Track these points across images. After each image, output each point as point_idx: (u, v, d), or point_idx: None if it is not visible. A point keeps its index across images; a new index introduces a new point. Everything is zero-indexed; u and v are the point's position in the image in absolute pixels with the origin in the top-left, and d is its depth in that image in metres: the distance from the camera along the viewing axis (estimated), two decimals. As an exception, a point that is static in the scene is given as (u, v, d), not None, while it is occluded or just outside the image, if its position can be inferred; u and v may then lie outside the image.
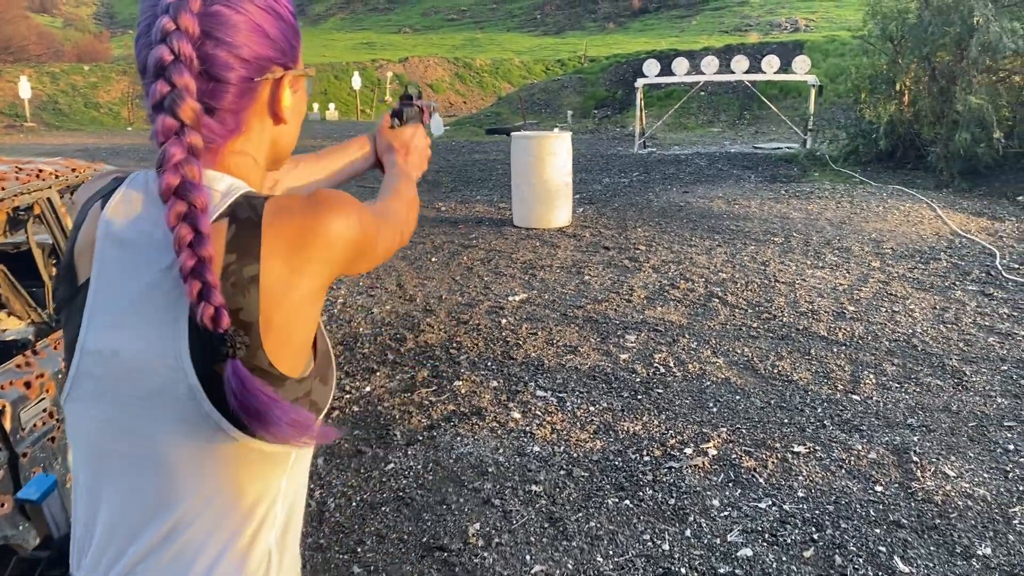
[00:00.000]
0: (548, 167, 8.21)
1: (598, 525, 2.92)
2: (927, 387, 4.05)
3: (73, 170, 3.03)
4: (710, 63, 15.26)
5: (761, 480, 3.20)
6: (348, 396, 4.14)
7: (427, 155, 1.46)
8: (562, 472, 3.31)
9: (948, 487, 3.11)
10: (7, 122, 26.67)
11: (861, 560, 2.67)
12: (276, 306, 0.83)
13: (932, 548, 2.72)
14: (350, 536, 2.93)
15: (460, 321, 5.31)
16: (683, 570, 2.66)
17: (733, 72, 15.16)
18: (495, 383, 4.25)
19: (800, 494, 3.09)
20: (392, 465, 3.42)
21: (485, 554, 2.78)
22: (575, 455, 3.45)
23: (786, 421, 3.71)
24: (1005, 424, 3.62)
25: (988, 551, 2.69)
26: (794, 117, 16.46)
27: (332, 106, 37.40)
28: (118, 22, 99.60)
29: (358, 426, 3.81)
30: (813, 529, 2.85)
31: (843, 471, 3.25)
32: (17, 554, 2.10)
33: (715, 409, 3.87)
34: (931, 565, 2.64)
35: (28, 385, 2.29)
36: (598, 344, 4.80)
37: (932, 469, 3.24)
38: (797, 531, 2.84)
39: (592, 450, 3.49)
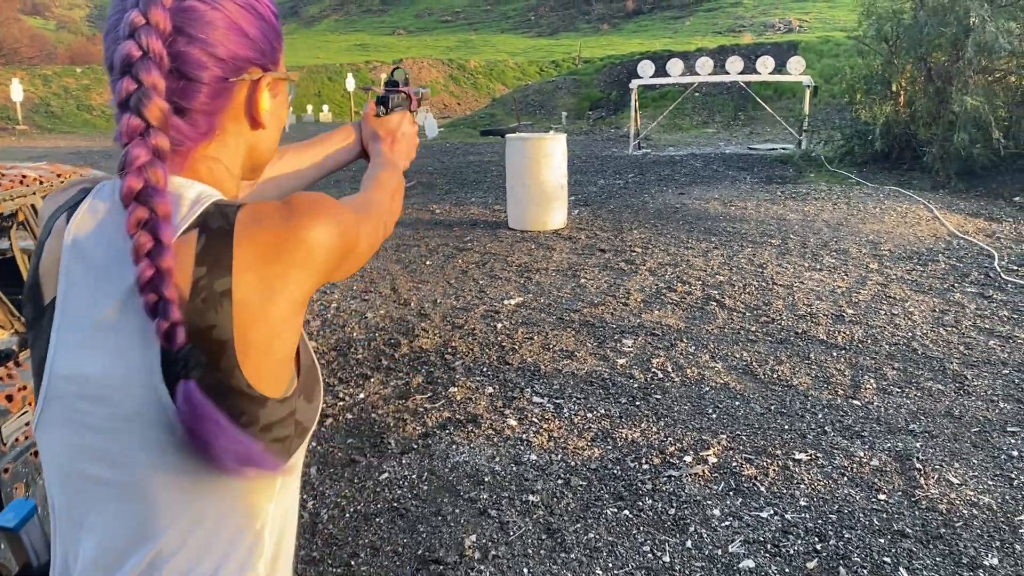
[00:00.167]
0: (543, 169, 8.16)
1: (597, 536, 2.86)
2: (928, 392, 4.00)
3: (58, 176, 2.96)
4: (705, 64, 15.24)
5: (762, 488, 3.14)
6: (342, 403, 4.08)
7: (415, 143, 1.38)
8: (560, 481, 3.24)
9: (952, 495, 3.05)
10: (-1, 125, 26.57)
11: (866, 572, 2.61)
12: (252, 322, 0.77)
13: (938, 559, 2.67)
14: (343, 549, 2.86)
15: (455, 326, 5.25)
16: (684, 583, 2.60)
17: (728, 73, 15.13)
18: (491, 389, 4.18)
19: (802, 503, 3.03)
20: (386, 474, 3.35)
21: (482, 567, 2.71)
22: (573, 463, 3.39)
23: (786, 427, 3.66)
24: (1008, 430, 3.57)
25: (995, 561, 2.64)
26: (789, 118, 16.46)
27: (326, 107, 37.33)
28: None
29: (352, 434, 3.74)
30: (816, 539, 2.80)
31: (845, 479, 3.19)
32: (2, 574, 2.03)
33: (714, 415, 3.81)
34: (937, 576, 2.59)
35: (10, 398, 2.22)
36: (595, 349, 4.74)
37: (936, 476, 3.19)
38: (800, 541, 2.79)
39: (590, 458, 3.43)
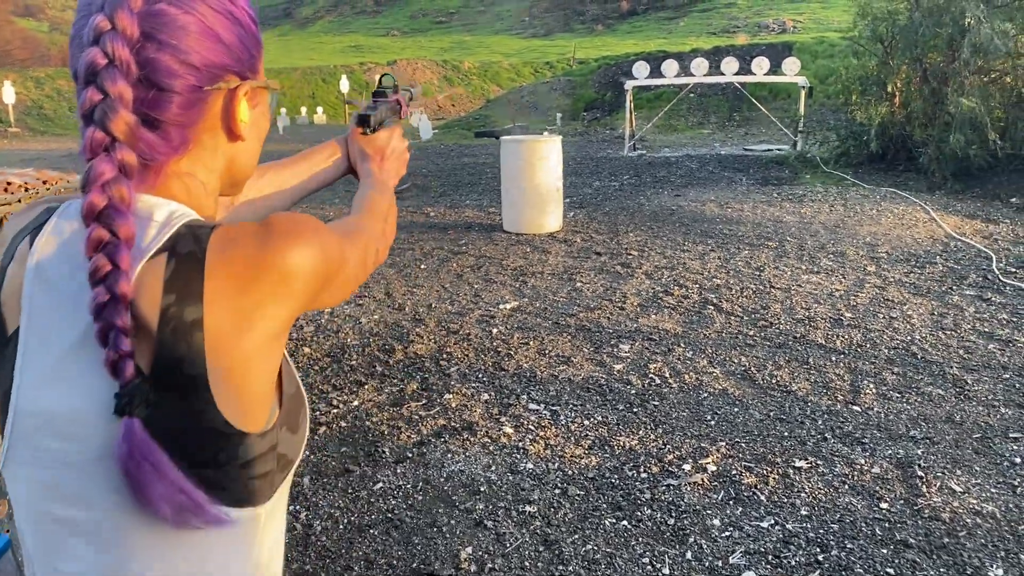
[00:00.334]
0: (538, 172, 8.10)
1: (595, 548, 2.80)
2: (929, 397, 3.96)
3: (44, 182, 2.90)
4: (700, 65, 15.21)
5: (763, 497, 3.09)
6: (336, 411, 4.02)
7: (405, 159, 1.31)
8: (557, 491, 3.19)
9: (955, 503, 3.01)
10: (-9, 127, 26.43)
11: (869, 583, 2.56)
12: (226, 354, 0.71)
13: (942, 569, 2.62)
14: (337, 561, 2.80)
15: (450, 331, 5.19)
16: (684, 596, 2.55)
17: (723, 73, 15.10)
18: (486, 396, 4.13)
19: (803, 512, 2.98)
20: (381, 484, 3.30)
21: (478, 580, 2.66)
22: (570, 472, 3.33)
23: (786, 434, 3.61)
24: (1010, 435, 3.53)
25: (1000, 572, 2.59)
26: (784, 119, 16.44)
27: (320, 110, 37.24)
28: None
29: (346, 442, 3.68)
30: (818, 550, 2.75)
31: (846, 487, 3.15)
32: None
33: (713, 422, 3.76)
34: (942, 588, 2.54)
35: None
36: (591, 354, 4.69)
37: (938, 484, 3.14)
38: (802, 552, 2.74)
39: (587, 467, 3.38)
